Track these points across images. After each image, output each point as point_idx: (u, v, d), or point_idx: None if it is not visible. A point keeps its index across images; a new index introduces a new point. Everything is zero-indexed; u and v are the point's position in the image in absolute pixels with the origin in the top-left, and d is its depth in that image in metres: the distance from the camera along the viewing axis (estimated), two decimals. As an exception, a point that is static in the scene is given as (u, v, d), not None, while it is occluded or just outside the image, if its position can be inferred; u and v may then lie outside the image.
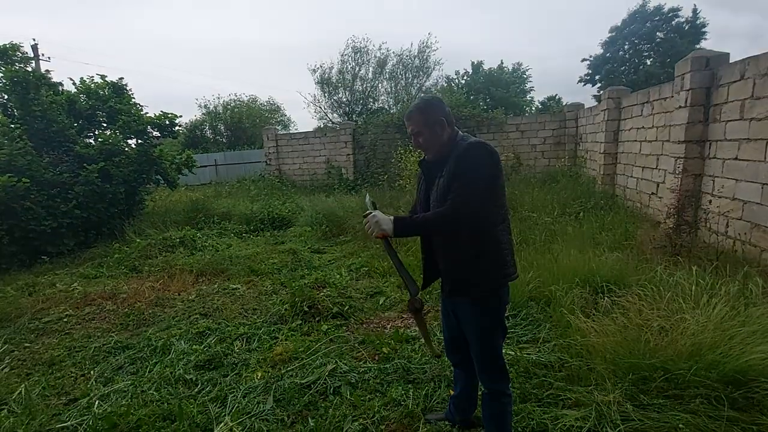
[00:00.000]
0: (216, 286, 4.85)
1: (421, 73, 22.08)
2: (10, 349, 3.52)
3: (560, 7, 60.47)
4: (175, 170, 8.78)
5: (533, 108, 29.96)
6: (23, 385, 2.84)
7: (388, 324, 3.60)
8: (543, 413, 2.08)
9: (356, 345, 3.16)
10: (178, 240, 6.44)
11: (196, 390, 2.65)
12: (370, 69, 21.14)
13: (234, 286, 4.78)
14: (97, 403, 2.50)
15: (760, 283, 2.98)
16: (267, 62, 60.18)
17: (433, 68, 21.86)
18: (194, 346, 3.27)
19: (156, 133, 8.53)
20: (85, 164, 7.09)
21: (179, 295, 4.66)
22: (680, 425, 1.91)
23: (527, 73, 30.25)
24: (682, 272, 3.42)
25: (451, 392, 2.39)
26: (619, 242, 4.76)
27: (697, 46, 27.23)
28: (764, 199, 4.16)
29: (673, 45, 27.36)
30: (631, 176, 7.50)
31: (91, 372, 3.03)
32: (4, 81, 7.14)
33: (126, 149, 7.93)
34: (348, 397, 2.47)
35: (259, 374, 2.79)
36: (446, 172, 1.72)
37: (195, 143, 21.33)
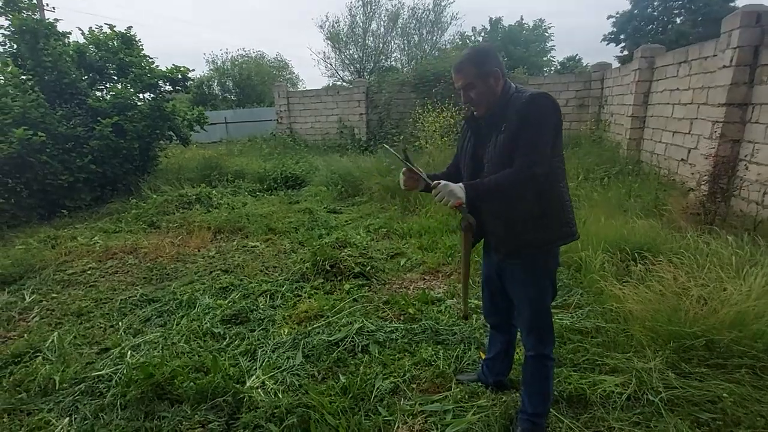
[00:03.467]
0: (235, 243, 4.84)
1: (435, 28, 21.10)
2: (38, 299, 3.57)
3: (587, -41, 56.32)
4: (188, 126, 8.62)
5: (553, 69, 28.66)
6: (56, 333, 2.89)
7: (410, 285, 3.57)
8: (580, 378, 2.05)
9: (381, 305, 3.15)
10: (194, 197, 6.41)
11: (224, 344, 2.67)
12: (382, 24, 20.23)
13: (253, 244, 4.77)
14: (129, 353, 2.53)
15: (804, 253, 2.86)
16: (268, 14, 57.55)
17: (450, 23, 20.84)
18: (219, 301, 3.28)
19: (168, 87, 8.29)
20: (99, 118, 6.96)
21: (199, 251, 4.67)
22: (724, 394, 1.86)
23: (549, 30, 28.70)
24: (719, 241, 3.29)
25: (482, 354, 2.38)
26: (648, 209, 4.60)
27: (732, 4, 25.42)
28: (809, 167, 3.94)
29: (707, 2, 25.54)
30: (660, 141, 7.19)
31: (120, 323, 3.06)
32: (13, 29, 6.89)
33: (139, 104, 7.75)
34: (377, 355, 2.46)
35: (286, 330, 2.80)
36: (506, 129, 1.58)
37: (203, 100, 20.95)
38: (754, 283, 2.40)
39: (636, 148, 7.98)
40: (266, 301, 3.26)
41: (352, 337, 2.62)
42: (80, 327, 3.05)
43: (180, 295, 3.42)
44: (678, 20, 26.80)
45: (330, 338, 2.63)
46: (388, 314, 3.00)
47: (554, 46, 28.32)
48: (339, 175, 7.13)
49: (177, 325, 2.94)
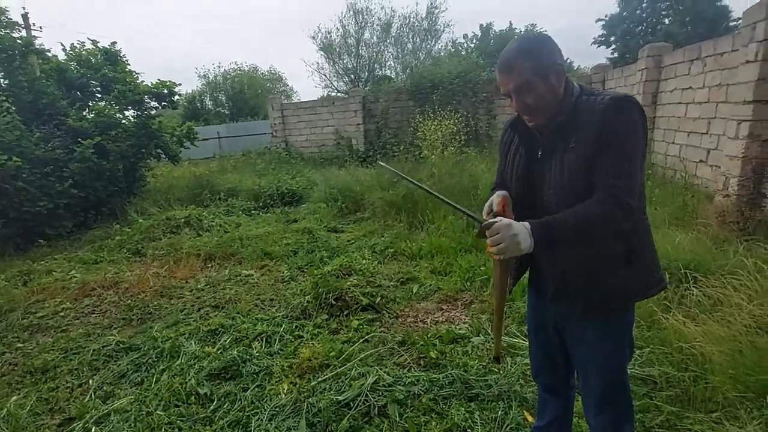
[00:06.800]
0: (227, 271, 4.39)
1: (429, 36, 20.89)
2: (1, 351, 3.11)
3: (574, -37, 56.98)
4: (177, 143, 8.20)
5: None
6: (13, 398, 2.44)
7: (427, 318, 3.13)
8: (663, 453, 1.61)
9: (395, 346, 2.70)
10: (183, 219, 5.96)
11: (211, 409, 2.21)
12: (375, 33, 20.00)
13: (247, 272, 4.32)
14: (93, 429, 2.07)
15: None
16: (261, 31, 57.48)
17: (443, 31, 20.64)
18: (206, 348, 2.82)
19: (154, 104, 7.89)
20: (79, 139, 6.53)
21: (187, 282, 4.22)
22: None
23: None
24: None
25: (528, 417, 1.93)
26: (680, 218, 4.20)
27: (719, 4, 25.50)
28: None
29: (694, 2, 25.63)
30: (673, 143, 6.84)
31: (90, 381, 2.60)
32: (-14, 49, 6.49)
33: (123, 122, 7.33)
34: (398, 420, 2.02)
35: (285, 387, 2.34)
36: (577, 144, 1.16)
37: (195, 115, 20.54)
38: None
39: (647, 151, 7.62)
40: (262, 347, 2.81)
41: (366, 395, 2.17)
42: (43, 388, 2.58)
43: (162, 341, 2.95)
44: (666, 21, 26.91)
45: (339, 397, 2.17)
46: (406, 359, 2.56)
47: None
48: (338, 190, 6.70)
49: (156, 383, 2.48)
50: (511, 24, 28.38)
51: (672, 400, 1.90)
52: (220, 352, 2.75)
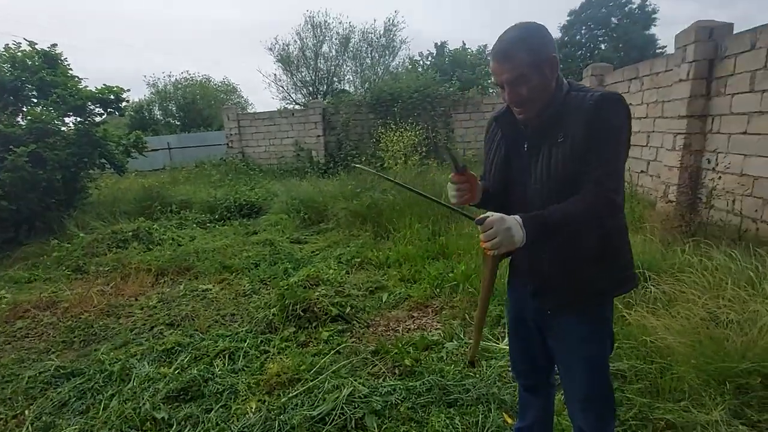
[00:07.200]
0: (182, 287, 4.10)
1: (387, 52, 21.31)
2: None
3: (519, -10, 60.79)
4: (124, 153, 7.68)
5: (497, 91, 30.02)
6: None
7: (398, 326, 3.07)
8: (640, 445, 1.65)
9: (369, 356, 2.61)
10: (131, 233, 5.53)
11: (170, 435, 2.01)
12: (334, 46, 20.10)
13: (204, 287, 4.06)
14: (29, 467, 1.81)
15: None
16: (212, 41, 55.88)
17: (400, 47, 21.15)
18: (162, 369, 2.58)
19: (99, 110, 7.35)
20: (11, 147, 5.93)
21: (136, 299, 3.90)
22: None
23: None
24: (716, 254, 3.12)
25: (508, 419, 1.92)
26: (629, 223, 4.45)
27: (647, 32, 28.30)
28: (780, 174, 3.97)
29: (626, 31, 28.32)
30: (617, 155, 7.33)
31: (26, 412, 2.29)
32: None
33: (62, 129, 6.76)
34: (376, 431, 1.93)
35: (254, 405, 2.18)
36: (566, 140, 1.17)
37: (143, 125, 19.45)
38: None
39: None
40: (225, 364, 2.61)
41: (342, 408, 2.07)
42: (-33, 423, 2.24)
43: (110, 363, 2.67)
44: (603, 46, 29.41)
45: (313, 412, 2.05)
46: (380, 368, 2.48)
47: (498, 69, 29.66)
48: (300, 201, 6.54)
49: (104, 410, 2.22)
50: (464, 43, 29.61)
51: (642, 392, 1.97)
52: (178, 373, 2.53)
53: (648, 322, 2.28)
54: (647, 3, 28.30)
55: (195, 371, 2.47)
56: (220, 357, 2.71)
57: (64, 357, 2.88)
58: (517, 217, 1.10)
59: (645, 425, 1.79)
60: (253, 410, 2.13)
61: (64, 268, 4.71)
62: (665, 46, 27.65)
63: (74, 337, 3.15)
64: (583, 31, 28.72)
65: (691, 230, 4.09)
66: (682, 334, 2.10)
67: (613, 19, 29.10)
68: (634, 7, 28.48)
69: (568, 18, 28.45)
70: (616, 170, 1.16)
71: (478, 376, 2.25)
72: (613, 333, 1.38)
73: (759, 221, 4.17)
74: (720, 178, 4.61)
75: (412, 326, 3.05)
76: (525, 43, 1.16)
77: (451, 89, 11.72)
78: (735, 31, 4.75)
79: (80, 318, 3.45)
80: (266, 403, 2.19)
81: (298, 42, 19.53)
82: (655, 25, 28.54)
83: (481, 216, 1.08)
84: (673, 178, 5.17)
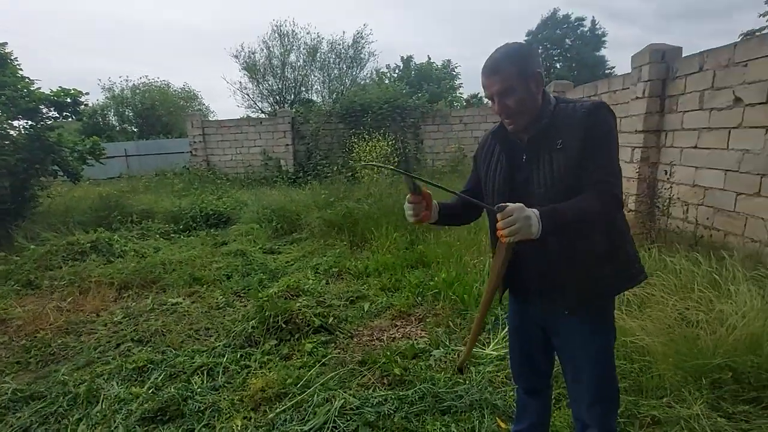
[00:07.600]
0: (149, 300, 3.87)
1: (354, 64, 21.46)
2: None
3: (481, 7, 63.37)
4: (79, 159, 7.21)
5: (463, 104, 30.95)
6: None
7: (383, 335, 3.04)
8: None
9: (356, 367, 2.57)
10: (88, 245, 5.17)
11: (150, 459, 1.87)
12: (301, 56, 20.00)
13: (174, 300, 3.86)
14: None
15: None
16: (171, 46, 53.95)
17: (368, 60, 21.37)
18: (134, 389, 2.41)
19: (54, 114, 6.88)
20: (-51, 151, 5.44)
21: (98, 315, 3.64)
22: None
23: (456, 70, 31.10)
24: (677, 258, 3.33)
25: (502, 425, 1.94)
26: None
27: (598, 54, 30.39)
28: (727, 185, 4.32)
29: (579, 51, 30.32)
30: (578, 167, 7.72)
31: (-26, 444, 2.06)
32: None
33: (11, 132, 6.27)
34: (372, 443, 1.89)
35: (239, 423, 2.08)
36: (564, 145, 1.24)
37: (97, 131, 18.40)
38: (750, 302, 2.34)
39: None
40: (204, 381, 2.48)
41: (334, 421, 2.01)
42: None
43: (74, 385, 2.46)
44: (558, 65, 31.24)
45: (304, 427, 1.98)
46: (369, 378, 2.43)
47: (462, 83, 30.67)
48: (272, 210, 6.39)
49: (71, 436, 2.05)
50: (429, 57, 30.39)
51: (627, 390, 2.05)
52: (153, 392, 2.37)
53: (626, 324, 2.39)
54: (597, 27, 30.41)
55: (172, 390, 2.32)
56: (197, 374, 2.56)
57: (20, 379, 2.62)
58: (534, 209, 1.13)
59: (632, 422, 1.86)
60: (239, 428, 2.03)
61: (12, 282, 4.32)
62: (614, 67, 29.72)
63: (30, 358, 2.88)
64: (539, 51, 30.42)
65: (652, 237, 4.36)
66: (658, 334, 2.22)
67: (567, 40, 31.00)
68: (586, 30, 30.49)
69: (526, 38, 30.01)
70: (613, 170, 1.24)
71: (468, 382, 2.27)
72: (615, 328, 1.44)
73: (711, 228, 4.50)
74: (673, 188, 4.96)
75: (397, 335, 3.03)
76: (512, 59, 1.25)
77: (419, 101, 11.94)
78: (683, 54, 5.17)
79: (35, 337, 3.16)
80: (253, 420, 2.09)
81: (265, 50, 19.31)
82: (605, 47, 30.66)
83: (502, 204, 1.11)
84: (632, 189, 5.50)
